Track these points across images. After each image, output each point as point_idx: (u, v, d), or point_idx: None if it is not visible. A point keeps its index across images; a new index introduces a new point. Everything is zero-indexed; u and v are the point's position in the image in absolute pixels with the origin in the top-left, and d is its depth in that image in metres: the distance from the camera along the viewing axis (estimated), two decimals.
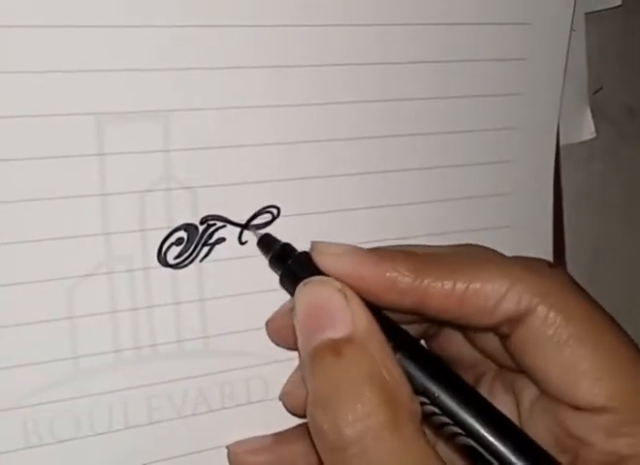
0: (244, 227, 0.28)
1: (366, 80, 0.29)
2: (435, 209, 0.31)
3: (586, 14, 0.36)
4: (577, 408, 0.23)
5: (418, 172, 0.30)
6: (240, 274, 0.28)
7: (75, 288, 0.26)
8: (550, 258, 0.34)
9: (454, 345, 0.28)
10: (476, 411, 0.23)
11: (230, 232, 0.28)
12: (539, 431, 0.24)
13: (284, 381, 0.29)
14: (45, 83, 0.24)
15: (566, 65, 0.33)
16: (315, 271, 0.24)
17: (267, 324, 0.28)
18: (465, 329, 0.27)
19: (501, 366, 0.27)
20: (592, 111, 0.37)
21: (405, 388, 0.22)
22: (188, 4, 0.26)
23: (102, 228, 0.26)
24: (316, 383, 0.22)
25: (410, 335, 0.25)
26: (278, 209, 0.28)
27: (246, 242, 0.28)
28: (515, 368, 0.25)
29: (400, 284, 0.24)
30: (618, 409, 0.22)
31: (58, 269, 0.26)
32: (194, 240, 0.27)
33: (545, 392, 0.24)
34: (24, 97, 0.24)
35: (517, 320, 0.23)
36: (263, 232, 0.28)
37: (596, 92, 0.37)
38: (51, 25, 0.24)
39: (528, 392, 0.25)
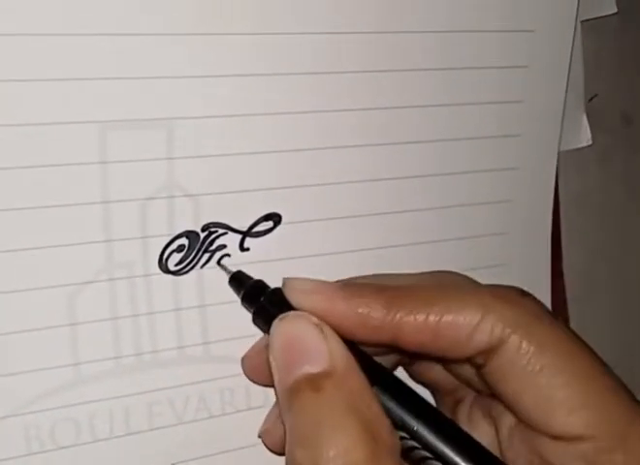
0: (245, 234, 0.28)
1: (367, 88, 0.29)
2: (437, 216, 0.31)
3: (581, 21, 0.36)
4: (554, 437, 0.23)
5: (419, 180, 0.31)
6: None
7: (76, 294, 0.26)
8: (547, 263, 0.34)
9: (432, 372, 0.28)
10: (456, 444, 0.23)
11: (231, 240, 0.28)
12: (518, 459, 0.24)
13: None
14: (47, 91, 0.24)
15: (569, 72, 0.33)
16: (289, 308, 0.24)
17: (242, 361, 0.28)
18: (441, 362, 0.27)
19: (479, 392, 0.27)
20: (587, 118, 0.37)
21: (385, 422, 0.22)
22: (191, 13, 0.26)
23: (104, 235, 0.26)
24: (295, 419, 0.21)
25: (386, 369, 0.25)
26: (280, 217, 0.28)
27: (247, 249, 0.28)
28: (492, 395, 0.25)
29: (372, 320, 0.24)
30: (595, 437, 0.22)
31: (60, 276, 0.26)
32: (195, 247, 0.27)
33: (521, 421, 0.24)
34: (27, 105, 0.24)
35: (490, 350, 0.23)
36: (234, 269, 0.27)
37: (591, 99, 0.38)
38: (54, 33, 0.24)
39: (506, 419, 0.25)
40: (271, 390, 0.29)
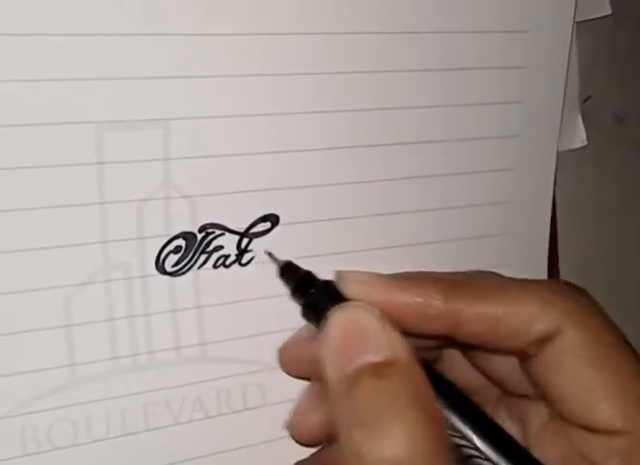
0: (243, 235, 0.28)
1: (365, 89, 0.29)
2: (435, 217, 0.31)
3: (576, 23, 0.36)
4: (594, 430, 0.23)
5: (417, 181, 0.31)
6: (237, 282, 0.28)
7: (73, 295, 0.26)
8: (544, 264, 0.34)
9: (457, 370, 0.28)
10: (504, 448, 0.23)
11: (228, 241, 0.28)
12: (550, 456, 0.24)
13: (281, 387, 0.29)
14: (44, 92, 0.24)
15: (567, 73, 0.33)
16: (341, 300, 0.24)
17: (280, 352, 0.28)
18: (492, 353, 0.27)
19: (507, 392, 0.27)
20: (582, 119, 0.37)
21: (444, 418, 0.22)
22: (188, 13, 0.26)
23: (100, 236, 0.26)
24: (356, 404, 0.21)
25: (435, 370, 0.25)
26: (277, 218, 0.28)
27: (245, 250, 0.28)
28: (523, 394, 0.26)
29: (432, 309, 0.24)
30: (635, 432, 0.23)
31: (56, 277, 0.26)
32: (192, 248, 0.27)
33: (560, 414, 0.24)
34: (23, 105, 0.24)
35: (546, 340, 0.24)
36: (285, 259, 0.27)
37: (586, 100, 0.38)
38: (50, 34, 0.24)
39: (537, 418, 0.25)
40: (267, 392, 0.29)
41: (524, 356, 0.25)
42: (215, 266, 0.28)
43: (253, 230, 0.28)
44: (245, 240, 0.28)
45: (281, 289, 0.27)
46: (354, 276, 0.25)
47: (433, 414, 0.21)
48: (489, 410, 0.28)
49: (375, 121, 0.29)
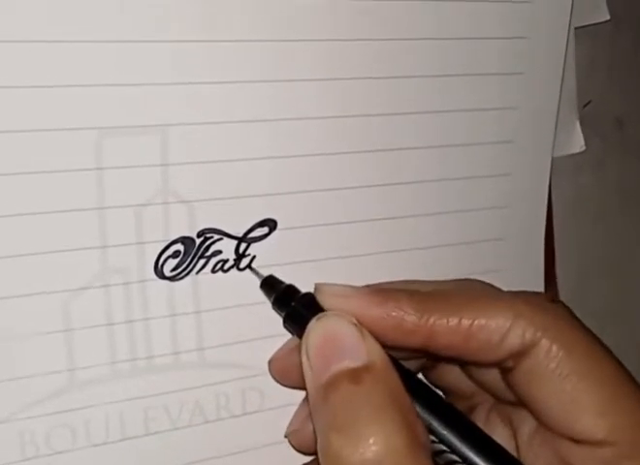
0: (241, 240, 0.28)
1: (362, 95, 0.29)
2: (432, 222, 0.31)
3: (575, 28, 0.36)
4: (577, 441, 0.23)
5: (414, 186, 0.31)
6: (236, 286, 0.28)
7: (72, 300, 0.26)
8: (541, 269, 0.34)
9: (451, 377, 0.29)
10: (484, 450, 0.23)
11: (226, 245, 0.28)
12: (539, 464, 0.25)
13: (280, 392, 0.29)
14: (43, 98, 0.24)
15: (563, 78, 0.33)
16: (320, 312, 0.25)
17: (270, 363, 0.28)
18: (469, 365, 0.27)
19: (499, 399, 0.27)
20: (580, 124, 0.37)
21: (420, 420, 0.22)
22: (187, 20, 0.26)
23: (99, 241, 0.26)
24: (333, 410, 0.22)
25: (414, 374, 0.26)
26: (275, 222, 0.29)
27: (243, 255, 0.28)
28: (513, 401, 0.26)
29: (406, 323, 0.24)
30: (618, 443, 0.23)
31: (55, 282, 0.26)
32: (191, 253, 0.27)
33: (545, 425, 0.24)
34: (22, 111, 0.24)
35: (521, 354, 0.24)
36: (266, 273, 0.28)
37: (586, 106, 0.38)
38: (51, 40, 0.24)
39: (527, 425, 0.26)
40: (266, 396, 0.29)
41: (502, 369, 0.25)
42: (214, 271, 0.28)
43: (251, 234, 0.28)
44: (243, 245, 0.28)
45: None
46: (332, 289, 0.25)
47: (410, 415, 0.21)
48: (483, 415, 0.28)
49: (373, 127, 0.29)
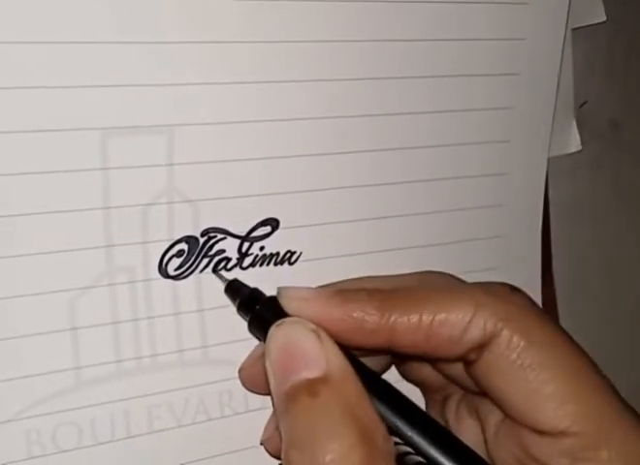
0: (244, 239, 0.28)
1: (361, 95, 0.29)
2: (429, 221, 0.32)
3: (572, 29, 0.36)
4: (540, 432, 0.23)
5: (413, 185, 0.31)
6: None
7: (77, 299, 0.26)
8: (538, 267, 0.35)
9: (422, 371, 0.29)
10: (448, 449, 0.23)
11: (229, 244, 0.28)
12: (504, 456, 0.24)
13: None
14: (49, 99, 0.25)
15: (560, 79, 0.33)
16: (284, 316, 0.24)
17: (239, 372, 0.28)
18: (435, 362, 0.27)
19: (466, 391, 0.27)
20: (576, 124, 0.38)
21: (381, 428, 0.22)
22: (191, 21, 0.26)
23: (104, 240, 0.26)
24: (292, 424, 0.21)
25: (379, 376, 0.25)
26: (277, 221, 0.29)
27: (246, 254, 0.28)
28: (479, 392, 0.26)
29: (368, 323, 0.24)
30: (580, 433, 0.22)
31: (61, 281, 0.26)
32: (195, 252, 0.28)
33: (509, 416, 0.24)
34: (28, 112, 0.25)
35: (482, 346, 0.24)
36: (230, 277, 0.28)
37: (582, 106, 0.38)
38: (55, 41, 0.25)
39: (493, 417, 0.25)
40: None
41: (466, 362, 0.25)
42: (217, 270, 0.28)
43: (254, 234, 0.28)
44: (246, 244, 0.28)
45: None
46: (293, 292, 0.25)
47: (369, 425, 0.21)
48: (453, 407, 0.28)
49: (371, 127, 0.30)
